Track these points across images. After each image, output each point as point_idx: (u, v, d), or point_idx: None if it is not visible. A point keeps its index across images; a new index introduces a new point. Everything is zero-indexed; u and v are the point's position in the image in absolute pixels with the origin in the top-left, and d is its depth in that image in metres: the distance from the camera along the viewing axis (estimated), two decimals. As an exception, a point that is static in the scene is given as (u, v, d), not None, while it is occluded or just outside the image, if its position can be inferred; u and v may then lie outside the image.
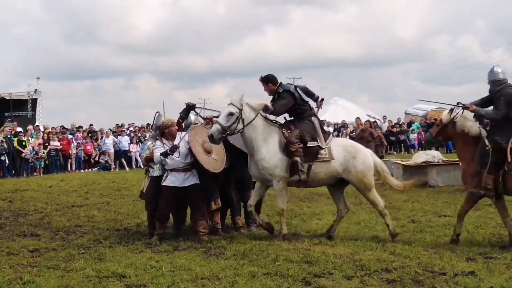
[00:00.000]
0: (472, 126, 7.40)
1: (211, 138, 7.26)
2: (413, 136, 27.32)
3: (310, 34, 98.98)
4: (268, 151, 7.46)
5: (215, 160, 7.77)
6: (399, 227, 8.38)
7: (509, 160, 6.99)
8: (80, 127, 24.67)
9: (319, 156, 7.59)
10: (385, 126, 27.45)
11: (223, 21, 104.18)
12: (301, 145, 7.45)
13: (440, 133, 7.80)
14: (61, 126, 24.25)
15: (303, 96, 7.73)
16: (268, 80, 7.77)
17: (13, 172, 19.54)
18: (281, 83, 7.81)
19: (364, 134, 17.94)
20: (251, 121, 7.46)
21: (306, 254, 6.72)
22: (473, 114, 7.40)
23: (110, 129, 24.38)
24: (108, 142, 22.72)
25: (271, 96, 7.86)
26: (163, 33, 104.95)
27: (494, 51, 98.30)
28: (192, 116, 8.41)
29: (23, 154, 19.63)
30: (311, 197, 12.48)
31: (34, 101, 30.71)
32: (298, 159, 7.39)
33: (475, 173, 7.23)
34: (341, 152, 7.71)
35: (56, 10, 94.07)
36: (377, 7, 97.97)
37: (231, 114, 7.38)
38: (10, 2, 77.45)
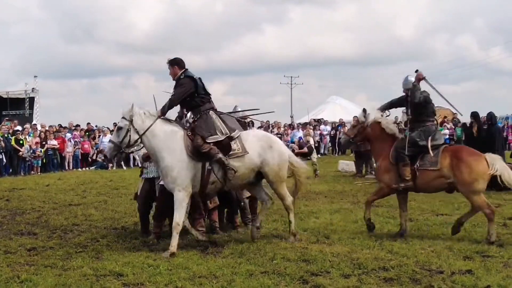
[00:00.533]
0: (392, 126, 8.15)
1: (106, 158, 7.06)
2: (411, 134, 27.34)
3: (308, 33, 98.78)
4: (173, 158, 6.97)
5: None
6: (397, 225, 8.38)
7: (432, 154, 7.63)
8: (78, 125, 24.65)
9: (232, 152, 7.14)
10: (382, 125, 27.46)
11: (221, 19, 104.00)
12: (210, 143, 6.99)
13: (358, 134, 8.39)
14: (59, 125, 24.25)
15: (206, 87, 7.27)
16: (175, 63, 7.29)
17: (11, 170, 19.50)
18: (186, 69, 7.29)
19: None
20: (148, 128, 7.02)
21: (304, 252, 6.73)
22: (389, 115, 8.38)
23: (107, 128, 24.36)
24: (106, 141, 22.64)
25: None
26: (161, 32, 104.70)
27: (492, 50, 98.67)
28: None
29: (21, 153, 19.60)
30: (309, 195, 12.48)
31: (32, 99, 30.73)
32: (220, 156, 6.96)
33: (389, 168, 7.86)
34: (255, 143, 7.33)
35: (54, 9, 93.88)
36: (376, 6, 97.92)
37: (119, 128, 7.12)
38: (8, 1, 77.30)
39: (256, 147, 7.31)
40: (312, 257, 6.47)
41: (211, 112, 7.25)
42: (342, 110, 33.02)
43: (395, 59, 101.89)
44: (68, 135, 22.29)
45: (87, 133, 23.58)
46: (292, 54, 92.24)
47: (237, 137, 7.28)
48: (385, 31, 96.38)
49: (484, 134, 13.09)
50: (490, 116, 13.61)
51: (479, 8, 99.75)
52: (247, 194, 8.47)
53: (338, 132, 27.41)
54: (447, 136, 27.73)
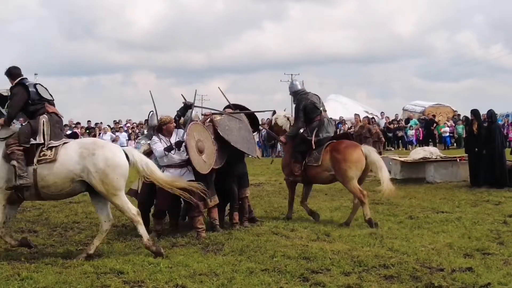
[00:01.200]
0: (287, 124, 9.16)
1: None
2: (411, 132, 27.42)
3: (308, 30, 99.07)
4: None
5: (204, 162, 7.70)
6: (397, 223, 8.40)
7: (314, 148, 8.50)
8: (78, 123, 24.67)
9: (42, 157, 6.60)
10: (382, 123, 27.53)
11: (221, 16, 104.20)
12: (20, 148, 6.55)
13: (271, 130, 9.61)
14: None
15: (42, 93, 6.85)
16: (8, 74, 6.92)
17: (11, 168, 19.45)
18: (21, 79, 6.87)
19: (363, 131, 18.00)
20: None
21: (304, 250, 6.73)
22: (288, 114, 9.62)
23: (108, 126, 24.39)
24: (106, 138, 22.70)
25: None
26: (161, 29, 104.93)
27: (492, 47, 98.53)
28: (194, 113, 8.46)
29: (21, 151, 19.55)
30: (309, 193, 12.47)
31: (32, 97, 30.67)
32: (15, 162, 6.47)
33: (287, 164, 8.91)
34: (75, 150, 6.66)
35: (54, 6, 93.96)
36: (375, 2, 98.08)
37: None
38: (8, -2, 77.28)
39: (74, 154, 6.63)
40: (313, 255, 6.47)
41: (41, 117, 6.76)
42: (342, 107, 33.03)
43: (395, 56, 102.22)
44: (69, 132, 22.27)
45: (87, 131, 23.59)
46: (292, 51, 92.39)
47: (59, 145, 6.76)
48: (385, 28, 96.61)
49: (484, 131, 13.07)
50: (490, 113, 13.58)
51: (479, 5, 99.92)
52: (247, 193, 8.51)
53: (338, 130, 27.42)
54: (448, 134, 27.77)
